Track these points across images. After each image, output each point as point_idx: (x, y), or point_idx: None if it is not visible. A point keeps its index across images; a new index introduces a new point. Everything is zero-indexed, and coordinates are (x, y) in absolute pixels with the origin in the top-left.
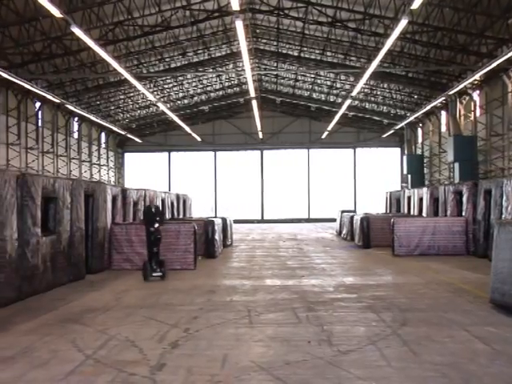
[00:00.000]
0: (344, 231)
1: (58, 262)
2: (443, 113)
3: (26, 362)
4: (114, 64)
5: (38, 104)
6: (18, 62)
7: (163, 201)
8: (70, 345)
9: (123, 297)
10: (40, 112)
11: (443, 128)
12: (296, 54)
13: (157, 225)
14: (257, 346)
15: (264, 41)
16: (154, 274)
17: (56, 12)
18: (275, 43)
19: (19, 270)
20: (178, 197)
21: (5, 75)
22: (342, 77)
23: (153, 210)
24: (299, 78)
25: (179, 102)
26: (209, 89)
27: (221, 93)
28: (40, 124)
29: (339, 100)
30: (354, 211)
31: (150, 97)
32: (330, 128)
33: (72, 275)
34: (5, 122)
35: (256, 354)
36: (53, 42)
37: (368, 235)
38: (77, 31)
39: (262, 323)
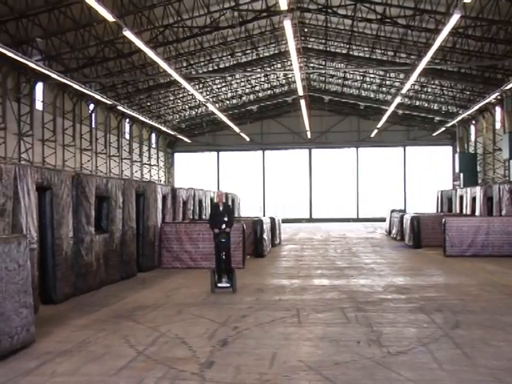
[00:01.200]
0: (394, 231)
1: (110, 259)
2: (498, 109)
3: (81, 356)
4: (164, 65)
5: (91, 106)
6: (74, 66)
7: (212, 200)
8: (122, 340)
9: (173, 295)
10: (94, 114)
11: (498, 125)
12: (344, 52)
13: (224, 226)
14: (305, 346)
15: (312, 39)
16: (219, 285)
17: (109, 17)
18: (323, 42)
19: (74, 268)
20: (226, 196)
21: (61, 79)
22: (392, 74)
23: (220, 207)
24: (348, 76)
25: (228, 101)
26: (257, 88)
27: (269, 92)
28: (93, 126)
29: (388, 98)
30: (404, 211)
31: (199, 97)
32: (379, 126)
33: (124, 273)
34: (61, 125)
35: (305, 353)
36: (106, 46)
37: (418, 235)
38: (128, 34)
39: (310, 323)
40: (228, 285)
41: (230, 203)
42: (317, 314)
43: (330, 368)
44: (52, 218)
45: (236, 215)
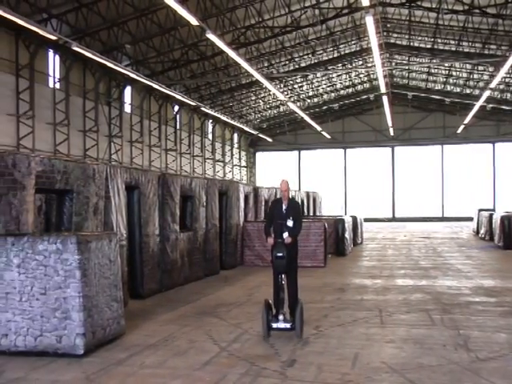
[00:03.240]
0: (482, 231)
1: (194, 257)
2: None
3: (167, 350)
4: (246, 66)
5: (176, 108)
6: (159, 69)
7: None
8: (205, 336)
9: (255, 293)
10: (178, 115)
11: None
12: (429, 46)
13: (286, 234)
14: (388, 347)
15: (395, 35)
16: (275, 326)
17: (193, 20)
18: (407, 36)
19: (160, 264)
20: (308, 195)
21: (148, 82)
22: (480, 67)
23: (283, 206)
24: (432, 71)
25: (309, 100)
26: (338, 86)
27: (350, 90)
28: (178, 127)
29: (476, 92)
30: (493, 210)
31: (281, 96)
32: (466, 122)
33: (207, 270)
34: (148, 126)
35: (388, 354)
36: (189, 49)
37: (509, 235)
38: (211, 37)
39: (393, 324)
40: (288, 325)
41: (300, 200)
42: (400, 315)
43: (414, 371)
44: (140, 217)
45: (317, 214)
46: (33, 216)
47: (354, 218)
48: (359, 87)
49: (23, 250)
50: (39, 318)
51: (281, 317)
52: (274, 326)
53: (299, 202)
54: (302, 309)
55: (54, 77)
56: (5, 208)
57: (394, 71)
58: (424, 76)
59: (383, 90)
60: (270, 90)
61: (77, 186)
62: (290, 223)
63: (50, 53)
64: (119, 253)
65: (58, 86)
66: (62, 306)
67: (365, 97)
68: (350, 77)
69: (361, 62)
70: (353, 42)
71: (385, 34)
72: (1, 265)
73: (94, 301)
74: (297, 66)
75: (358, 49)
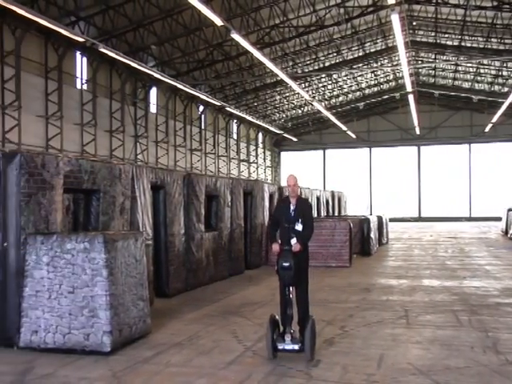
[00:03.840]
0: (511, 231)
1: (219, 256)
2: None
3: (192, 349)
4: (271, 66)
5: (201, 108)
6: (184, 70)
7: (318, 198)
8: (230, 335)
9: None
10: (203, 115)
11: None
12: (456, 43)
13: (294, 240)
14: (414, 348)
15: (421, 32)
16: (281, 346)
17: (217, 21)
18: (433, 34)
19: (186, 264)
20: (333, 194)
21: (173, 83)
22: (510, 64)
23: (291, 207)
24: (459, 68)
25: (333, 100)
26: (363, 85)
27: (376, 89)
28: (203, 127)
29: (505, 90)
30: None
31: (305, 96)
32: (494, 120)
33: (232, 270)
34: (173, 126)
35: (414, 356)
36: (214, 49)
37: None
38: (236, 37)
39: (419, 324)
40: (296, 346)
41: (325, 199)
42: (426, 316)
43: (441, 373)
44: (165, 216)
45: (342, 213)
46: (61, 215)
47: (380, 218)
48: (385, 86)
49: (52, 248)
50: (67, 316)
51: (288, 337)
52: (280, 346)
53: (323, 200)
54: (314, 326)
55: (82, 78)
56: (34, 207)
57: (420, 69)
58: (451, 74)
59: (409, 88)
60: (294, 90)
61: (103, 186)
62: (298, 227)
63: (78, 55)
64: (145, 252)
65: (85, 87)
66: (89, 304)
67: (390, 95)
68: (375, 75)
69: (386, 61)
70: (378, 41)
71: (411, 31)
72: (31, 263)
73: (121, 299)
74: (321, 66)
75: (383, 47)
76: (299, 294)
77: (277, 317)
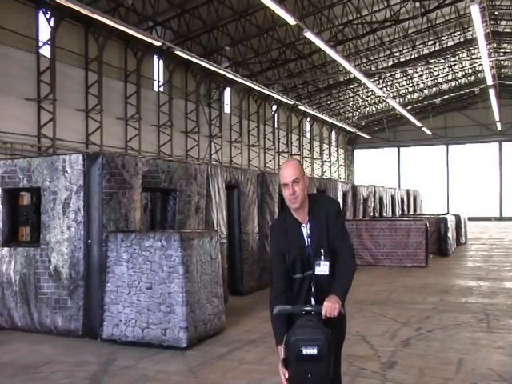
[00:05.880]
0: None
1: None
2: None
3: (266, 347)
4: (344, 63)
5: (274, 107)
6: (258, 70)
7: (393, 197)
8: None
9: (354, 292)
10: (276, 115)
11: None
12: None
13: (312, 299)
14: (496, 353)
15: (504, 22)
16: None
17: (290, 20)
18: None
19: (259, 262)
20: (408, 193)
21: (247, 83)
22: None
23: (304, 230)
24: None
25: (408, 96)
26: (440, 80)
27: (453, 84)
28: (276, 126)
29: None
30: None
31: (379, 93)
32: None
33: None
34: (246, 126)
35: (496, 361)
36: (287, 48)
37: None
38: (309, 35)
39: (502, 329)
40: None
41: (400, 199)
42: (509, 320)
43: None
44: (239, 215)
45: (418, 212)
46: (140, 214)
47: (458, 217)
48: (463, 80)
49: (131, 246)
50: (146, 311)
51: None
52: None
53: (398, 199)
54: None
55: (159, 81)
56: (115, 206)
57: (501, 62)
58: None
59: (490, 82)
60: (368, 87)
61: (180, 185)
62: (323, 267)
63: (155, 58)
64: (220, 250)
65: (161, 89)
66: (166, 300)
67: (469, 90)
68: (452, 70)
69: (465, 54)
70: (456, 34)
71: (492, 22)
72: (112, 259)
73: (196, 296)
74: (396, 61)
75: (461, 40)
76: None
77: None
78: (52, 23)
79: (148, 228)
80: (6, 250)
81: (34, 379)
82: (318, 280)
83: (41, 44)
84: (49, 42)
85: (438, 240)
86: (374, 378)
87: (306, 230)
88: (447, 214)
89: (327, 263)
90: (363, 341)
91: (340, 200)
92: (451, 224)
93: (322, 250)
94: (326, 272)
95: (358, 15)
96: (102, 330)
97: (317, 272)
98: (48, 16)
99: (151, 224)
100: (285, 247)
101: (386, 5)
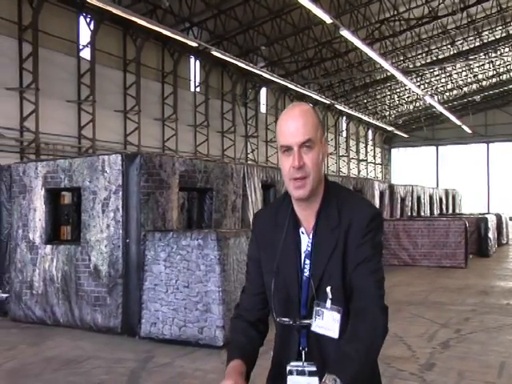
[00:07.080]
0: None
1: None
2: None
3: None
4: (381, 61)
5: None
6: (293, 69)
7: (431, 197)
8: None
9: (392, 292)
10: None
11: None
12: None
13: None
14: None
15: None
16: None
17: (326, 18)
18: None
19: None
20: (446, 192)
21: (283, 83)
22: None
23: (307, 241)
24: None
25: (447, 93)
26: (480, 77)
27: (494, 80)
28: None
29: None
30: None
31: (417, 91)
32: None
33: None
34: None
35: None
36: (323, 47)
37: None
38: (345, 33)
39: None
40: None
41: (438, 198)
42: None
43: None
44: None
45: (457, 212)
46: (177, 213)
47: (499, 217)
48: (505, 76)
49: (169, 244)
50: (183, 310)
51: None
52: None
53: (436, 198)
54: None
55: (195, 81)
56: (153, 206)
57: None
58: None
59: None
60: (405, 85)
61: (216, 185)
62: (329, 321)
63: (192, 59)
64: None
65: (198, 89)
66: (203, 299)
67: (511, 86)
68: (493, 66)
69: (507, 49)
70: (498, 28)
71: None
72: (150, 258)
73: (233, 295)
74: (434, 58)
75: (503, 35)
76: None
77: None
78: (92, 27)
79: (185, 227)
80: (48, 248)
81: (76, 374)
82: (317, 338)
83: (81, 47)
84: (89, 45)
85: (478, 240)
86: (412, 379)
87: (305, 242)
88: (488, 213)
89: (337, 315)
90: (401, 342)
91: (377, 199)
92: (492, 224)
93: (328, 290)
94: (333, 334)
95: (395, 12)
96: (140, 328)
97: (315, 328)
98: (88, 20)
99: (188, 223)
100: (264, 258)
101: (423, 1)
